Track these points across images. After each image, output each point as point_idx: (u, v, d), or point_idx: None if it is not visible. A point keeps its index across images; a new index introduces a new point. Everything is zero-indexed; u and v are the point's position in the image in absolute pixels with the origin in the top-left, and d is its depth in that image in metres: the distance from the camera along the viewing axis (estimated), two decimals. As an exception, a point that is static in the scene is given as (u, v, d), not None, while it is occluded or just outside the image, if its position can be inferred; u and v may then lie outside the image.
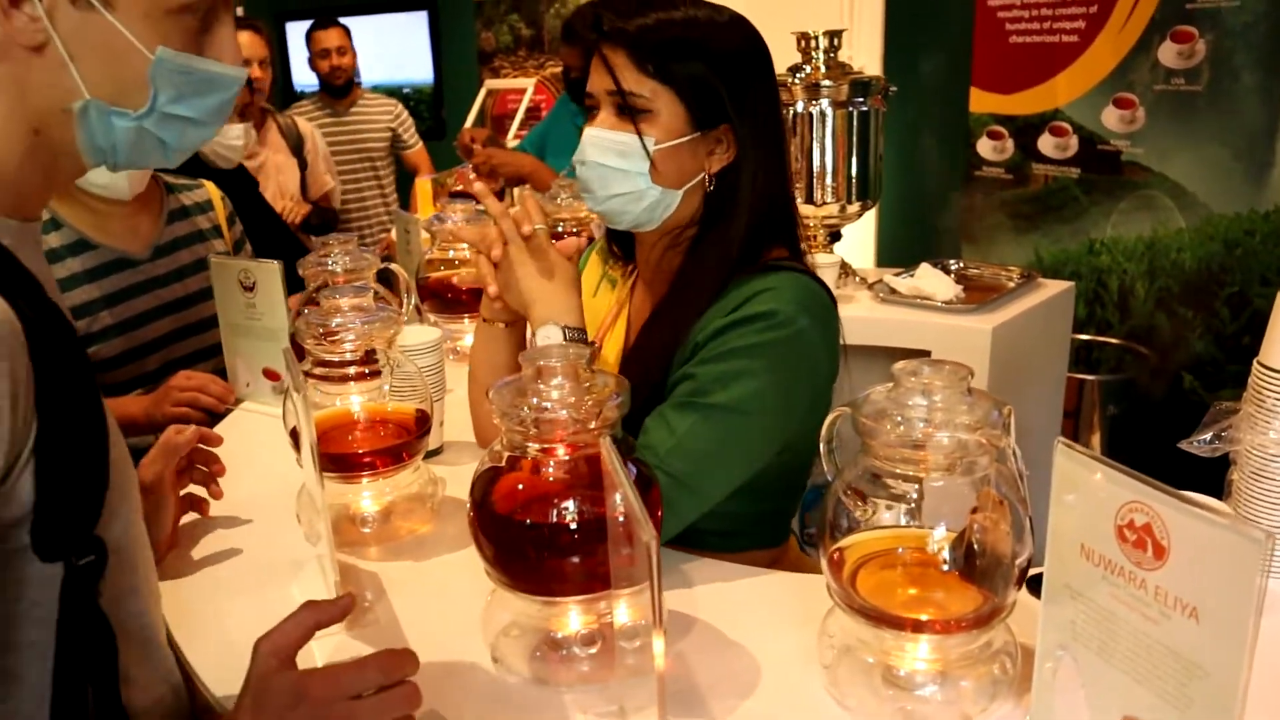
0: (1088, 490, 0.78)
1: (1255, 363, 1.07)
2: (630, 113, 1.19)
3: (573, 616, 0.97)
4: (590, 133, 1.22)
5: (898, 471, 0.86)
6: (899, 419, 0.84)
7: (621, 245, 1.41)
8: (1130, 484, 0.74)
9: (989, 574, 0.87)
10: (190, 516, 1.29)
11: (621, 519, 0.83)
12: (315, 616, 0.86)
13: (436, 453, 1.46)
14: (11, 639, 0.75)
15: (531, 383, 0.90)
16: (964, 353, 2.02)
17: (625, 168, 1.20)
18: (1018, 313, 2.19)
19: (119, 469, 0.80)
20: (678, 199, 1.22)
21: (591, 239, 2.05)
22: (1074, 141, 3.25)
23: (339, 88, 3.96)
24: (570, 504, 0.90)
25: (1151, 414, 3.02)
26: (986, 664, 0.91)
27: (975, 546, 0.87)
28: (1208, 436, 1.09)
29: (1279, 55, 2.70)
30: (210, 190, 1.98)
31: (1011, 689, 0.91)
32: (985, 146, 3.50)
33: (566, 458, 0.91)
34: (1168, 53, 2.94)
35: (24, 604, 0.74)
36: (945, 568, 0.88)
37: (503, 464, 0.94)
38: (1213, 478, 1.16)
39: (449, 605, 1.10)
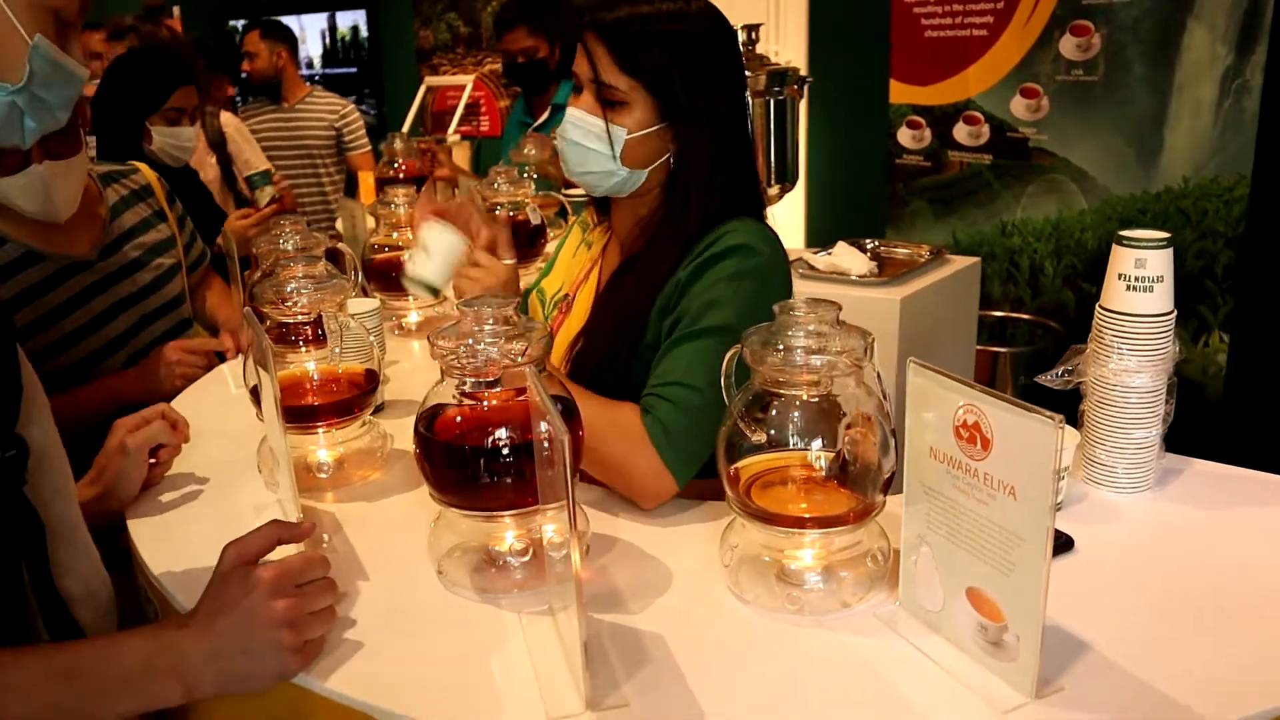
0: (935, 400, 0.93)
1: (1097, 306, 1.24)
2: (605, 105, 1.33)
3: (507, 534, 1.11)
4: (571, 112, 1.35)
5: (781, 393, 1.01)
6: (780, 347, 0.99)
7: (600, 205, 1.55)
8: (963, 390, 0.89)
9: (860, 480, 1.02)
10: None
11: (546, 443, 0.97)
12: (279, 532, 1.00)
13: (379, 409, 1.58)
14: None
15: (468, 326, 1.04)
16: (875, 321, 2.18)
17: (597, 149, 1.34)
18: (925, 285, 2.37)
19: (31, 385, 0.96)
20: (643, 177, 1.37)
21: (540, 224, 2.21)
22: (986, 130, 3.45)
23: (258, 88, 4.08)
24: (503, 430, 1.04)
25: (1068, 393, 3.23)
26: (862, 560, 1.06)
27: (848, 457, 1.03)
28: (1059, 372, 1.26)
29: (1165, 48, 2.92)
30: (146, 173, 2.02)
31: (884, 581, 1.06)
32: (905, 136, 3.69)
33: (499, 390, 1.05)
34: (1068, 45, 3.15)
35: None
36: (824, 475, 1.03)
37: (444, 399, 1.07)
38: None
39: (399, 536, 1.23)
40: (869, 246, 2.62)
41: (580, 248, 1.59)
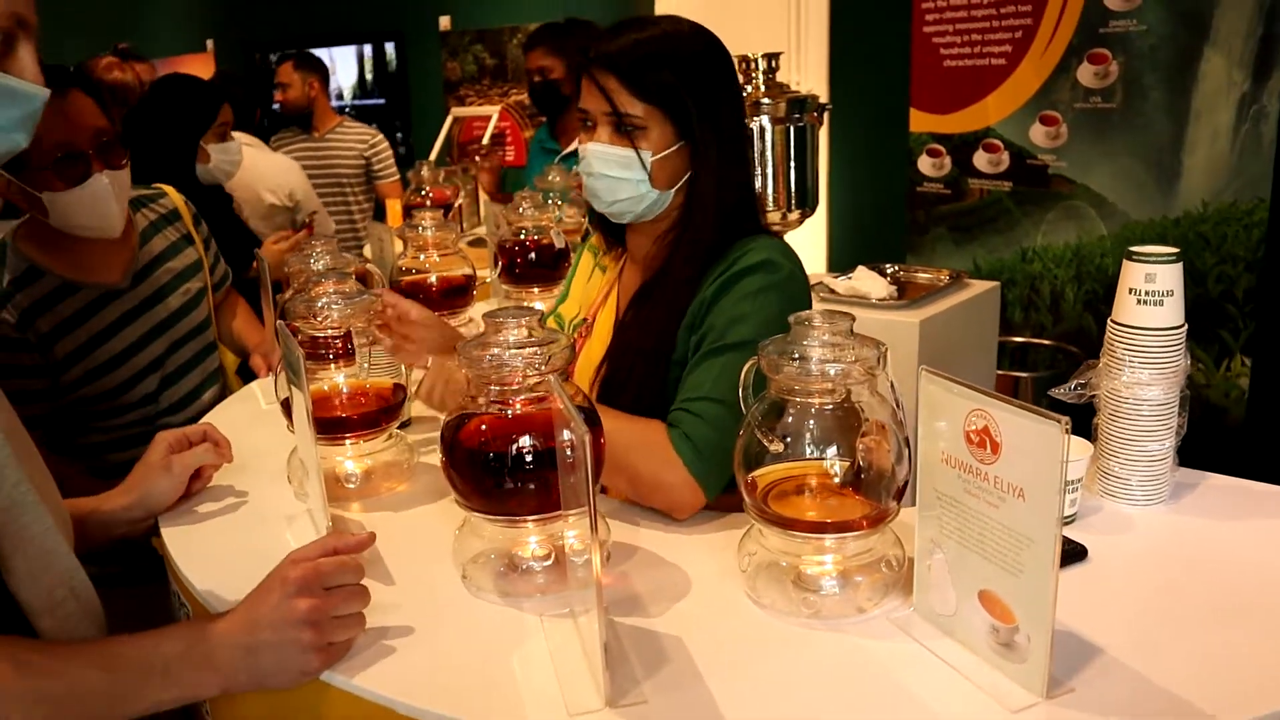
0: (946, 406, 0.96)
1: (1109, 320, 1.26)
2: (627, 131, 1.36)
3: (530, 540, 1.14)
4: (593, 148, 1.39)
5: (797, 401, 1.04)
6: (796, 356, 1.02)
7: (613, 234, 1.57)
8: (972, 395, 0.92)
9: (874, 486, 1.05)
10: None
11: (569, 450, 1.00)
12: (335, 542, 1.04)
13: (406, 424, 1.62)
14: None
15: (492, 337, 1.08)
16: (894, 344, 2.19)
17: (627, 176, 1.38)
18: (945, 309, 2.39)
19: None
20: (670, 196, 1.40)
21: (564, 248, 2.25)
22: (1006, 157, 3.48)
23: (290, 117, 4.18)
24: (527, 438, 1.07)
25: (1082, 407, 3.24)
26: (878, 567, 1.08)
27: (863, 464, 1.05)
28: (1073, 385, 1.28)
29: (1182, 74, 2.94)
30: (174, 196, 2.06)
31: (899, 588, 1.08)
32: (925, 163, 3.72)
33: (522, 398, 1.08)
34: (1085, 73, 3.18)
35: None
36: (839, 483, 1.06)
37: (470, 408, 1.11)
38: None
39: (424, 544, 1.26)
40: (889, 271, 2.65)
41: (594, 272, 1.62)
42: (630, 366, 1.40)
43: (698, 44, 1.39)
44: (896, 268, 2.70)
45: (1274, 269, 2.86)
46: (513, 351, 1.06)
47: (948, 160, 3.65)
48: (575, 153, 3.42)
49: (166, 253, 1.95)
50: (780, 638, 1.03)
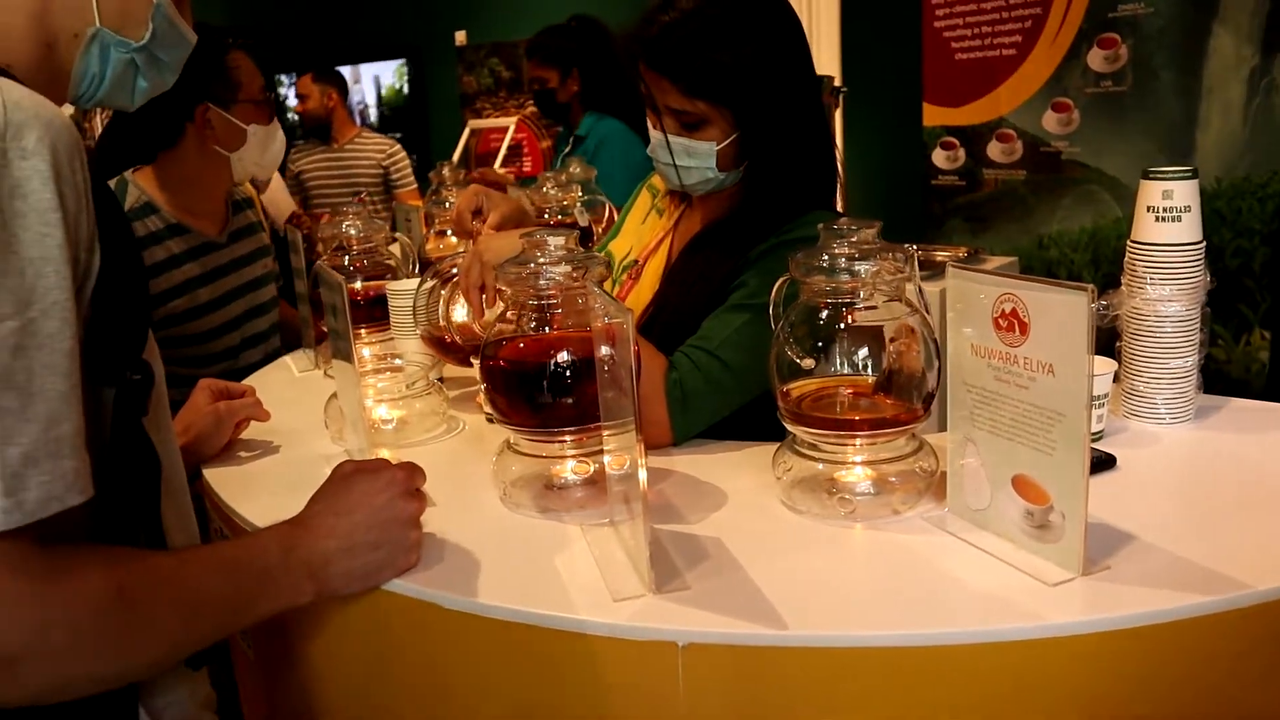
0: (973, 298, 0.98)
1: (1128, 242, 1.29)
2: (686, 127, 1.38)
3: (568, 463, 1.17)
4: (657, 138, 1.41)
5: (827, 303, 1.07)
6: (825, 259, 1.05)
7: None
8: (1000, 281, 0.95)
9: (905, 388, 1.07)
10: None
11: (607, 367, 1.02)
12: (389, 462, 1.06)
13: (440, 381, 1.65)
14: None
15: (532, 253, 1.11)
16: (915, 312, 2.23)
17: (694, 165, 1.40)
18: (963, 280, 2.42)
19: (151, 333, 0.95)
20: (740, 174, 1.42)
21: (587, 227, 2.28)
22: (1019, 146, 3.51)
23: (309, 129, 4.28)
24: (565, 351, 1.10)
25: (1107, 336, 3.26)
26: (912, 473, 1.10)
27: (893, 368, 1.08)
28: (1096, 307, 1.30)
29: (1191, 53, 2.98)
30: (249, 188, 2.19)
31: (932, 491, 1.10)
32: (939, 157, 3.76)
33: (560, 313, 1.11)
34: (1096, 58, 3.22)
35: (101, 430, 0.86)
36: (871, 388, 1.08)
37: (509, 325, 1.14)
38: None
39: (462, 476, 1.29)
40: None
41: (650, 214, 1.62)
42: (673, 316, 1.42)
43: (745, 10, 1.35)
44: (915, 246, 2.73)
45: (1290, 241, 2.89)
46: (551, 265, 1.09)
47: (962, 152, 3.69)
48: (571, 151, 3.46)
49: (250, 227, 2.08)
50: (818, 535, 1.05)
